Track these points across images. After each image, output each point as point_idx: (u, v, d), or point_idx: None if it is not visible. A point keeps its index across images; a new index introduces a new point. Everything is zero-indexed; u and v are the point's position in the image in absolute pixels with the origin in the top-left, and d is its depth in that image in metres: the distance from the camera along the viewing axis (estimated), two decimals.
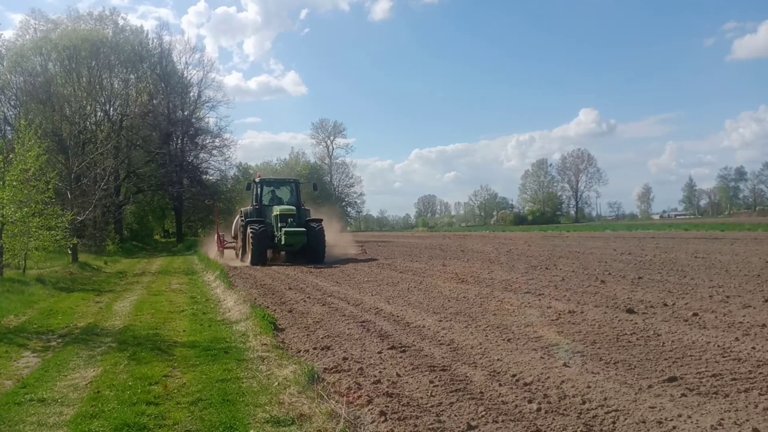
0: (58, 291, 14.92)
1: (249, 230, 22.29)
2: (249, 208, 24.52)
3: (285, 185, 25.76)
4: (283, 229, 21.83)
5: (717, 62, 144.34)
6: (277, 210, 22.72)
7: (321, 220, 23.79)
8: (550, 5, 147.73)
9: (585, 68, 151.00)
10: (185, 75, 54.00)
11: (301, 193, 25.43)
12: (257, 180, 24.98)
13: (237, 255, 25.52)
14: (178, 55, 53.93)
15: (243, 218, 24.00)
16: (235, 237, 26.25)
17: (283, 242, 21.84)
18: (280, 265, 21.83)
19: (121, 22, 50.84)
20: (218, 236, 28.19)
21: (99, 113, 46.46)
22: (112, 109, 47.90)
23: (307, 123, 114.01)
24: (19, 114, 36.02)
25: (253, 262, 21.99)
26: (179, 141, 53.17)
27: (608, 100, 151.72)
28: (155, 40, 51.90)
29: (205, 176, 54.19)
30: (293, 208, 23.11)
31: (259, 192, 24.36)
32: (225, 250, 27.12)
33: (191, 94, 54.47)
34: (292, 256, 23.14)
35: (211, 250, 30.14)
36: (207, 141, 54.43)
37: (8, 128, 39.97)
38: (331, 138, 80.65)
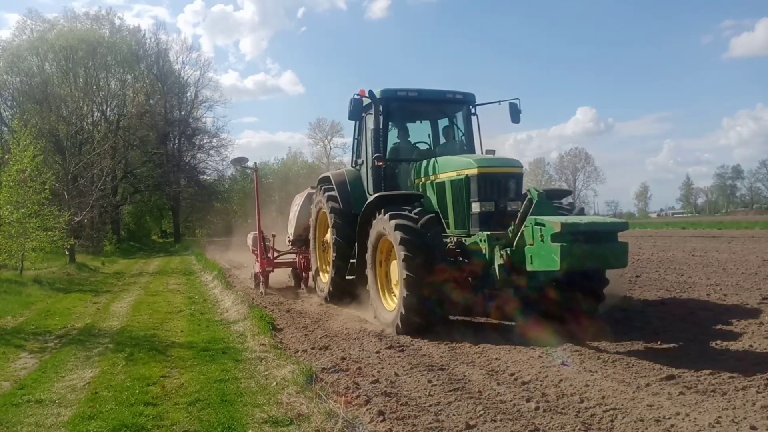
0: (55, 292, 14.88)
1: (392, 224, 7.84)
2: (346, 170, 11.14)
3: (439, 108, 10.63)
4: (559, 225, 6.22)
5: (714, 60, 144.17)
6: (473, 164, 8.30)
7: (570, 193, 10.38)
8: (548, 4, 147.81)
9: (582, 67, 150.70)
10: (182, 75, 53.94)
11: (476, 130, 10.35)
12: (377, 94, 9.63)
13: (302, 282, 13.47)
14: (175, 55, 53.89)
15: (334, 200, 10.43)
16: (298, 242, 13.19)
17: (560, 264, 6.15)
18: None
19: (117, 22, 50.82)
20: (261, 241, 13.30)
21: (96, 113, 46.30)
22: (109, 109, 47.77)
23: (305, 122, 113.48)
24: (16, 114, 35.91)
25: (408, 321, 7.69)
26: (176, 141, 53.09)
27: (606, 99, 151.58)
28: (152, 40, 51.88)
29: (202, 176, 54.16)
30: (517, 162, 8.70)
31: (379, 124, 9.51)
32: (269, 272, 13.43)
33: (188, 94, 54.45)
34: (519, 298, 7.91)
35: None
36: (204, 141, 54.39)
37: (5, 129, 39.85)
38: (329, 138, 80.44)
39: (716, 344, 6.48)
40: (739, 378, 5.27)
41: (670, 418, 4.43)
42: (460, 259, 7.79)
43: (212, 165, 55.02)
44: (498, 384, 5.48)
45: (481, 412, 4.66)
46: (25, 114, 30.69)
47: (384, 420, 4.56)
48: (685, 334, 7.02)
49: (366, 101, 9.78)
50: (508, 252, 7.02)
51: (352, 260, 9.64)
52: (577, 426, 4.35)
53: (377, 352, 6.91)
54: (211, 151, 54.48)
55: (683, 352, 6.21)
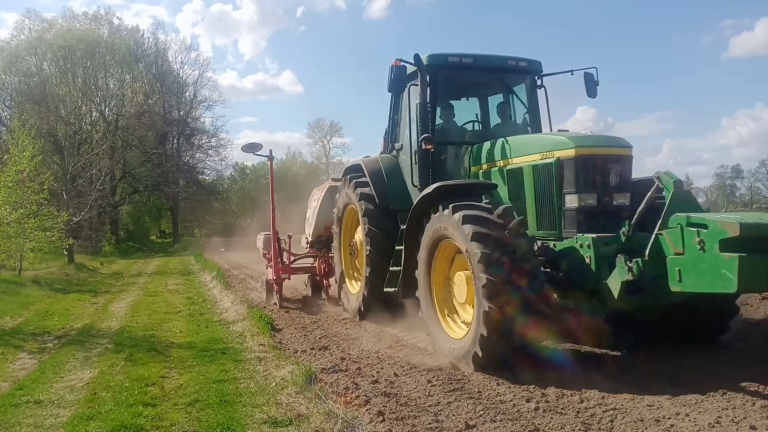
0: (54, 292, 14.87)
1: (457, 218, 5.93)
2: (380, 157, 9.11)
3: (497, 78, 8.56)
4: (737, 227, 4.51)
5: (714, 60, 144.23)
6: (568, 143, 6.32)
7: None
8: (548, 4, 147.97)
9: (582, 66, 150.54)
10: (181, 74, 53.83)
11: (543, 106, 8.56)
12: (424, 60, 7.59)
13: (322, 291, 11.42)
14: (174, 55, 53.76)
15: (368, 199, 8.57)
16: (317, 243, 11.44)
17: (737, 284, 4.48)
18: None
19: (116, 21, 50.80)
20: (275, 242, 11.23)
21: (94, 113, 46.25)
22: (107, 109, 47.77)
23: (304, 122, 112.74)
24: (14, 115, 35.87)
25: (493, 346, 5.59)
26: (175, 141, 53.04)
27: (605, 98, 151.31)
28: (151, 39, 51.83)
29: (201, 176, 54.10)
30: (625, 141, 6.59)
31: (426, 97, 7.40)
32: (284, 279, 11.34)
33: (187, 93, 54.31)
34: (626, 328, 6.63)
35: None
36: (203, 141, 54.30)
37: (3, 129, 39.81)
38: (328, 137, 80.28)
39: (716, 344, 6.47)
40: (739, 378, 5.27)
41: (670, 418, 4.42)
42: (548, 269, 6.02)
43: (211, 165, 54.99)
44: (498, 384, 5.46)
45: (481, 412, 4.65)
46: (24, 114, 30.60)
47: (383, 420, 4.55)
48: (685, 334, 7.00)
49: (410, 69, 7.78)
50: (640, 264, 5.17)
51: (391, 268, 7.87)
52: (577, 426, 4.34)
53: (376, 352, 6.90)
54: (210, 151, 54.41)
55: (683, 352, 6.20)
